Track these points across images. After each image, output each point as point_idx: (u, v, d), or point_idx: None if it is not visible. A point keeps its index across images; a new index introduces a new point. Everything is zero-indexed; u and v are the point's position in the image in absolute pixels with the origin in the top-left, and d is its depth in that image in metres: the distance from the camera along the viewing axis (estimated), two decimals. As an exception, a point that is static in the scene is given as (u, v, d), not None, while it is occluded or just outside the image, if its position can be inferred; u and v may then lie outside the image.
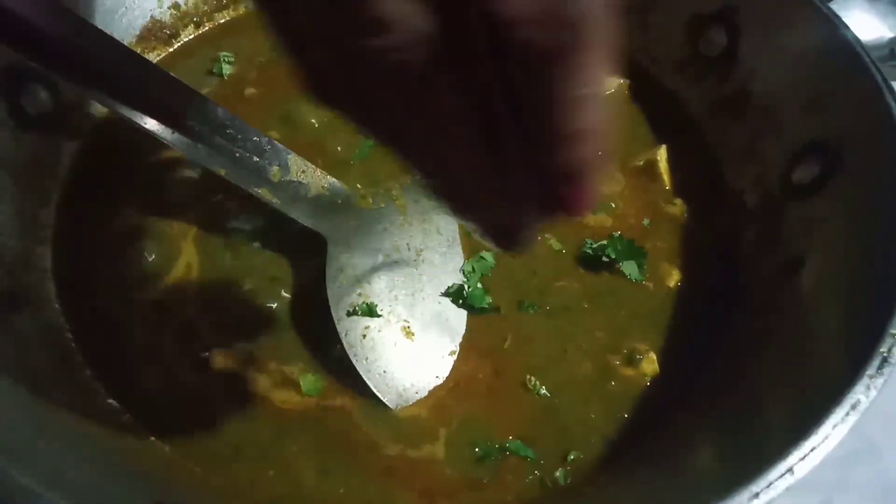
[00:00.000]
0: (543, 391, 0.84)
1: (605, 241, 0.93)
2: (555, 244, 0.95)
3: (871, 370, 0.62)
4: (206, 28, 1.19)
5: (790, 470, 0.58)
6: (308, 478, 0.78)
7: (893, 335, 0.64)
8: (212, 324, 0.87)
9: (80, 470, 0.67)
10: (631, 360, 0.86)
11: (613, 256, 0.92)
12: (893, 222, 0.74)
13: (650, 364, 0.86)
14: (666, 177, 1.03)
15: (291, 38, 0.43)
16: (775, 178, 0.95)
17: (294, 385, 0.82)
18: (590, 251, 0.93)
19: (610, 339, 0.88)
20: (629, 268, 0.92)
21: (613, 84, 1.12)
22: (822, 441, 0.59)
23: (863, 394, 0.61)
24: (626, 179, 1.03)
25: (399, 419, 0.81)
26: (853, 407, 0.61)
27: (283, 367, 0.83)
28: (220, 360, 0.84)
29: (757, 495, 0.57)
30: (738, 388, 0.80)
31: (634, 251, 0.92)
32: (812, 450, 0.59)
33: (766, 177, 0.97)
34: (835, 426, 0.60)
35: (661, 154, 1.05)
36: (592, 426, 0.82)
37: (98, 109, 1.01)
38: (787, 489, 0.58)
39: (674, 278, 0.94)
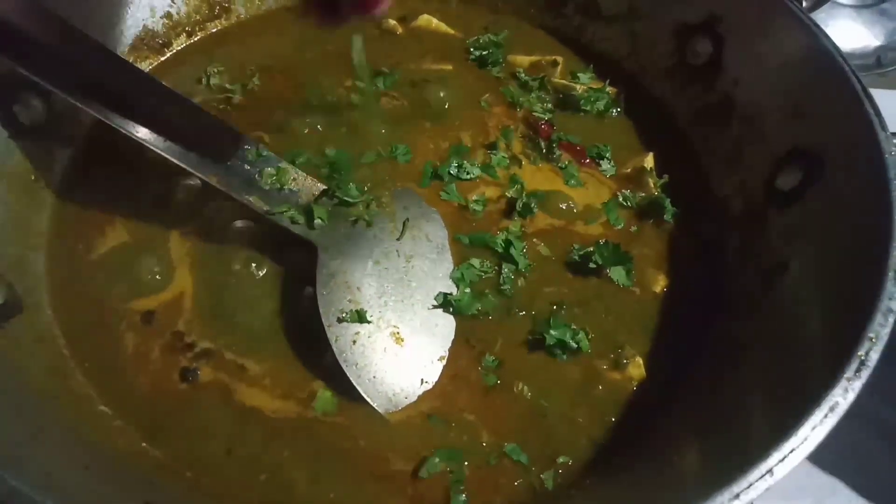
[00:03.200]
0: (532, 396, 0.85)
1: (591, 248, 0.94)
2: (543, 250, 0.96)
3: (848, 373, 0.63)
4: (198, 37, 1.20)
5: (770, 471, 0.59)
6: (300, 482, 0.78)
7: (871, 339, 0.65)
8: (201, 333, 0.88)
9: (72, 474, 0.68)
10: (618, 365, 0.87)
11: (601, 262, 0.93)
12: (873, 228, 0.75)
13: (637, 368, 0.87)
14: (653, 183, 1.04)
15: None
16: (759, 185, 0.97)
17: (290, 398, 0.84)
18: (577, 258, 0.94)
19: (597, 344, 0.89)
20: (617, 273, 0.93)
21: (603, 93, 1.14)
22: (802, 443, 0.60)
23: (841, 396, 0.62)
24: (614, 186, 1.05)
25: (389, 425, 0.82)
26: (832, 409, 0.62)
27: (292, 388, 0.84)
28: (208, 372, 0.85)
29: (738, 496, 0.58)
30: (721, 391, 0.81)
31: (621, 256, 0.93)
32: (791, 451, 0.60)
33: (749, 184, 0.99)
34: (814, 428, 0.61)
35: (649, 161, 1.06)
36: (580, 430, 0.83)
37: (90, 118, 1.02)
38: (768, 489, 0.59)
39: (660, 284, 0.95)
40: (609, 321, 0.91)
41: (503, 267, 0.93)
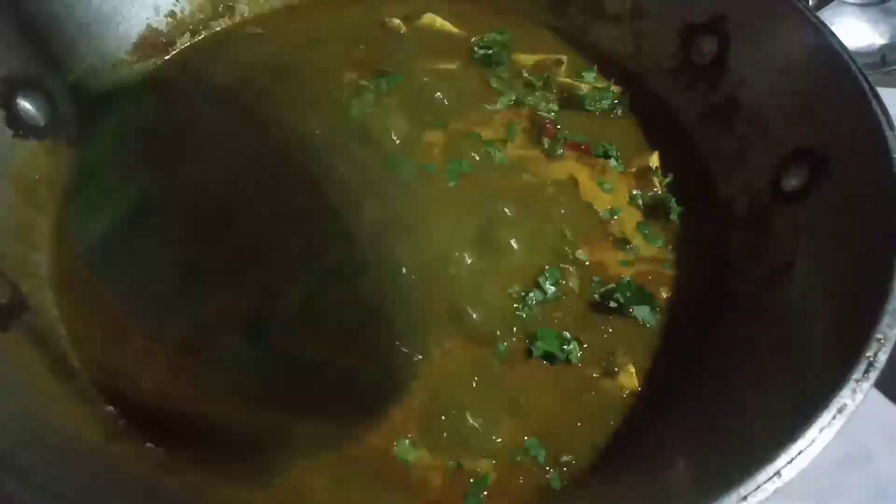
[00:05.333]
0: (532, 399, 0.84)
1: (613, 286, 0.92)
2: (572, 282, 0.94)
3: (857, 374, 0.63)
4: (202, 36, 1.20)
5: (778, 473, 0.59)
6: (318, 488, 0.77)
7: (879, 340, 0.65)
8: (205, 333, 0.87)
9: (75, 475, 0.68)
10: (609, 371, 0.86)
11: (622, 301, 0.90)
12: (880, 228, 0.75)
13: (629, 377, 0.86)
14: (658, 182, 1.04)
15: None
16: (764, 185, 0.96)
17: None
18: (598, 297, 0.92)
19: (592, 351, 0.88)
20: (641, 312, 0.91)
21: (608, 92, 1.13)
22: (810, 444, 0.60)
23: (849, 398, 0.62)
24: (622, 183, 1.04)
25: (402, 429, 0.81)
26: (840, 411, 0.61)
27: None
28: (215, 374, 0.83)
29: (745, 498, 0.58)
30: (724, 393, 0.81)
31: (644, 296, 0.91)
32: (799, 453, 0.59)
33: (754, 183, 0.98)
34: (822, 430, 0.61)
35: (654, 160, 1.06)
36: (582, 434, 0.83)
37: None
38: (776, 491, 0.58)
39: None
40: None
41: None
